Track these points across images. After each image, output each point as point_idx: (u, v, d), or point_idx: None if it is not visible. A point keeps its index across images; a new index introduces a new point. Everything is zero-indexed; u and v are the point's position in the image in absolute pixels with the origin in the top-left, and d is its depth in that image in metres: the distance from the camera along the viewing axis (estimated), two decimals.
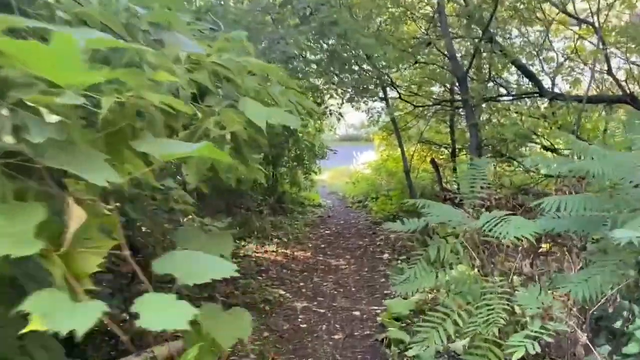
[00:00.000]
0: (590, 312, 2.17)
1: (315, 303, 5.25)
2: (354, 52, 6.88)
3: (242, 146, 1.71)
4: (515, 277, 2.72)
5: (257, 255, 7.13)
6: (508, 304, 2.45)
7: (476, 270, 2.65)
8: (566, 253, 2.74)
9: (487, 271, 2.64)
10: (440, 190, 8.82)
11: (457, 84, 8.93)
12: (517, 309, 2.55)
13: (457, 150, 10.66)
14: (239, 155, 1.83)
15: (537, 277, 2.83)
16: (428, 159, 12.07)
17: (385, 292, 5.71)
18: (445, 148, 11.18)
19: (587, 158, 2.48)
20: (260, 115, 1.66)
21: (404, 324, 4.28)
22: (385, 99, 7.42)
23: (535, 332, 2.11)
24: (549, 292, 2.45)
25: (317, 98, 10.78)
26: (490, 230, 2.32)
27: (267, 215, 9.50)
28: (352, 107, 11.37)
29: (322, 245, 8.38)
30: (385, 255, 7.47)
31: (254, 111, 1.65)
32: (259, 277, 5.98)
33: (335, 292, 5.70)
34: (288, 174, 12.40)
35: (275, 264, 6.69)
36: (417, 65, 7.75)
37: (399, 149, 12.66)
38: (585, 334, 2.05)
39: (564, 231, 2.61)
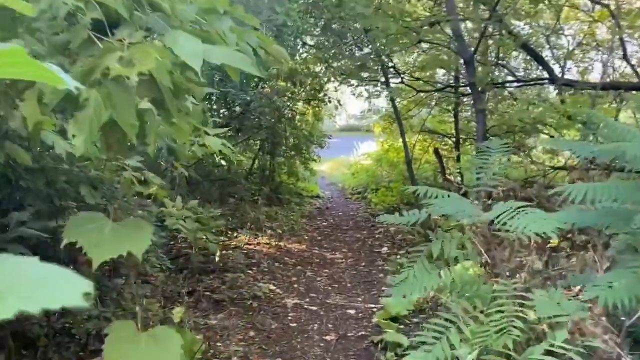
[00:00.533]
0: (627, 324, 1.80)
1: (307, 299, 4.90)
2: (350, 25, 6.43)
3: (166, 96, 1.25)
4: (526, 276, 2.35)
5: (248, 247, 6.77)
6: (522, 309, 2.09)
7: (485, 269, 2.29)
8: (588, 250, 2.36)
9: (498, 271, 2.28)
10: (444, 182, 8.44)
11: (462, 68, 8.55)
12: (531, 315, 2.18)
13: (461, 140, 10.29)
14: (162, 109, 1.34)
15: (553, 277, 2.47)
16: (431, 150, 11.69)
17: (382, 288, 5.35)
18: (449, 138, 10.78)
19: (619, 140, 2.10)
20: (194, 53, 1.21)
21: (402, 325, 3.93)
22: (386, 82, 7.01)
23: (559, 346, 1.75)
24: (572, 297, 2.09)
25: (315, 85, 10.39)
26: (504, 224, 1.95)
27: (262, 205, 9.14)
28: (353, 94, 11.00)
29: (319, 238, 8.02)
30: (384, 249, 7.11)
31: (186, 47, 1.20)
32: (249, 271, 5.62)
33: (330, 288, 5.35)
34: (286, 164, 12.03)
35: (268, 257, 6.34)
36: (420, 48, 7.35)
37: (400, 139, 12.31)
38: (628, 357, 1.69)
39: (589, 226, 2.24)
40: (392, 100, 7.20)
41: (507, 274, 2.22)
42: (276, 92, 7.33)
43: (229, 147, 2.20)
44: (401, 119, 7.23)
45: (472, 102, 11.04)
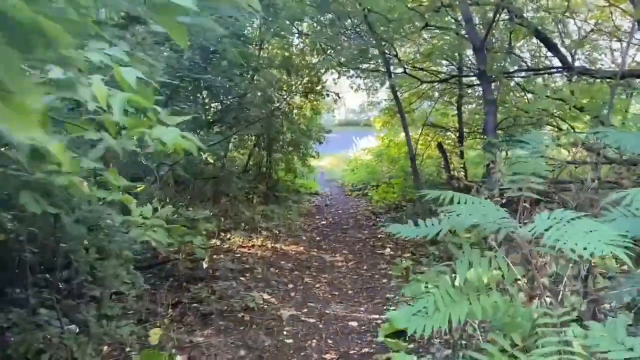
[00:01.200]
0: None
1: (305, 310, 4.46)
2: (349, 7, 5.94)
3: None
4: (574, 301, 1.90)
5: (242, 250, 6.33)
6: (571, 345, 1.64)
7: (523, 294, 1.84)
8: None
9: (539, 296, 1.82)
10: (449, 178, 7.99)
11: (468, 58, 8.09)
12: (577, 348, 1.73)
13: (464, 134, 9.85)
14: None
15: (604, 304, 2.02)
16: (433, 145, 11.24)
17: (387, 295, 4.92)
18: (452, 132, 10.32)
19: None
20: None
21: (410, 344, 3.49)
22: (388, 72, 6.53)
23: None
24: None
25: (312, 77, 9.91)
26: (556, 241, 1.49)
27: (258, 204, 8.69)
28: (352, 87, 10.53)
29: (317, 238, 7.58)
30: (387, 250, 6.67)
31: None
32: (242, 278, 5.17)
33: (329, 296, 4.91)
34: (283, 160, 11.58)
35: (262, 261, 5.89)
36: (423, 37, 6.89)
37: (401, 134, 11.84)
38: None
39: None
40: (394, 91, 6.73)
41: (551, 300, 1.77)
42: (271, 82, 6.82)
43: (192, 140, 1.73)
44: (403, 111, 6.75)
45: (476, 94, 10.64)
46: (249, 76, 9.02)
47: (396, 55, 6.87)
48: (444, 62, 9.27)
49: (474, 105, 10.72)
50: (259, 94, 7.20)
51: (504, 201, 4.92)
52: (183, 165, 6.76)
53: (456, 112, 10.25)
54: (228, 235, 6.80)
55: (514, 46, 6.67)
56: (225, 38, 4.20)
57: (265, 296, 4.67)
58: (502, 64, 5.49)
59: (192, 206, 7.34)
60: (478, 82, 9.29)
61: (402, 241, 6.92)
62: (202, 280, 4.94)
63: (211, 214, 5.62)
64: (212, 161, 7.44)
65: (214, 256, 5.90)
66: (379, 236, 7.53)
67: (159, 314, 4.05)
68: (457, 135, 9.82)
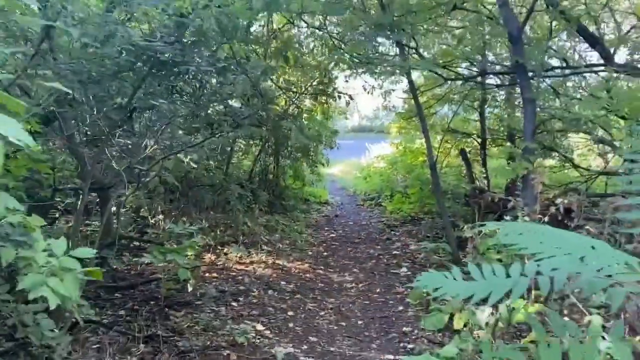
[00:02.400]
0: None
1: (305, 347, 3.71)
2: None
3: None
4: None
5: (239, 267, 5.61)
6: None
7: None
8: None
9: None
10: (472, 190, 7.20)
11: (485, 58, 7.31)
12: None
13: (487, 141, 9.08)
14: None
15: None
16: (453, 152, 10.46)
17: (404, 328, 4.16)
18: (474, 139, 9.52)
19: None
20: None
21: None
22: (407, 69, 5.79)
23: None
24: None
25: (323, 77, 9.22)
26: None
27: (261, 214, 7.98)
28: (365, 89, 9.80)
29: (325, 254, 6.83)
30: (403, 270, 5.90)
31: None
32: (234, 303, 4.45)
33: (335, 328, 4.15)
34: (291, 167, 10.88)
35: (260, 282, 5.16)
36: (452, 22, 6.14)
37: (418, 140, 11.07)
38: None
39: None
40: (413, 88, 5.96)
41: None
42: (260, 70, 6.07)
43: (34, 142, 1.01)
44: (423, 113, 5.99)
45: (500, 97, 9.86)
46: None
47: (416, 49, 6.07)
48: (463, 64, 8.54)
49: (497, 110, 9.96)
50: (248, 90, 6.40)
51: (546, 219, 4.15)
52: (176, 172, 6.11)
53: (478, 117, 9.53)
54: (225, 250, 6.10)
55: (552, 38, 5.87)
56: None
57: (259, 327, 3.94)
58: (539, 59, 4.71)
59: (187, 217, 6.68)
60: (503, 82, 8.59)
61: (421, 260, 6.15)
62: (187, 305, 4.23)
63: (197, 227, 4.92)
64: (207, 167, 6.77)
65: (206, 274, 5.20)
66: (394, 252, 6.75)
67: (128, 350, 3.35)
68: (480, 142, 9.06)
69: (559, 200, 4.37)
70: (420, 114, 5.71)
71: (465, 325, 3.76)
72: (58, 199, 4.78)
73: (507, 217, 4.63)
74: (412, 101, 10.50)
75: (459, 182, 9.77)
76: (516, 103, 8.83)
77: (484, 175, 9.17)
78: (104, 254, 4.53)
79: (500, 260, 4.74)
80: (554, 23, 5.83)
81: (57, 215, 5.14)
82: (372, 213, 10.43)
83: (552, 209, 3.88)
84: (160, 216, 6.24)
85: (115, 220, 5.02)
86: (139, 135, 4.37)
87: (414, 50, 6.22)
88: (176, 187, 6.26)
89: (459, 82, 9.29)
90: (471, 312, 3.86)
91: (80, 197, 3.76)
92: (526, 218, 3.94)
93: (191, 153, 5.91)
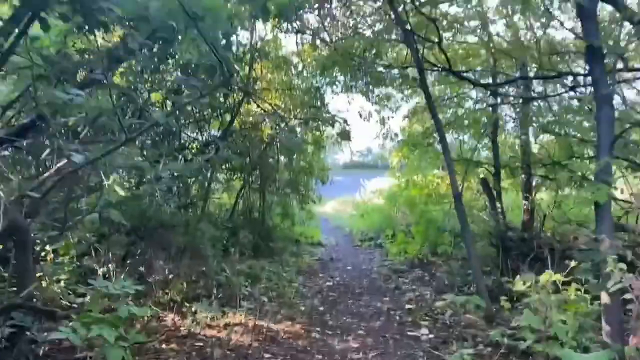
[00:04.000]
0: None
1: None
2: None
3: None
4: None
5: (209, 333, 4.24)
6: None
7: None
8: None
9: None
10: (505, 227, 5.95)
11: (496, 66, 6.25)
12: None
13: (501, 169, 7.97)
14: None
15: None
16: (466, 183, 9.30)
17: None
18: (486, 168, 8.35)
19: None
20: None
21: None
22: (420, 70, 4.63)
23: None
24: None
25: (315, 101, 8.11)
26: None
27: (243, 259, 6.63)
28: (361, 117, 8.68)
29: (321, 309, 5.48)
30: (424, 332, 4.56)
31: None
32: None
33: None
34: (279, 204, 9.61)
35: (237, 355, 3.79)
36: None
37: (420, 174, 9.91)
38: None
39: None
40: (428, 96, 4.79)
41: None
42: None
43: None
44: (443, 132, 4.80)
45: (510, 122, 8.82)
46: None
47: (438, 42, 4.82)
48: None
49: (510, 134, 8.87)
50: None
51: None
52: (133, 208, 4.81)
53: (489, 143, 8.44)
54: (194, 308, 4.72)
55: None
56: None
57: None
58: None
59: (148, 266, 5.32)
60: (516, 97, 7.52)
61: (446, 318, 4.81)
62: None
63: (139, 286, 3.57)
64: (181, 205, 5.47)
65: (163, 345, 3.82)
66: (407, 306, 5.42)
67: None
68: (494, 170, 7.91)
69: None
70: (440, 133, 4.55)
71: None
72: None
73: (581, 262, 3.40)
74: (413, 127, 9.55)
75: (481, 218, 8.59)
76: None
77: (499, 209, 8.00)
78: (20, 322, 3.21)
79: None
80: None
81: None
82: (372, 255, 9.12)
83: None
84: (111, 265, 4.89)
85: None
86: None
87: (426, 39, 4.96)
88: (135, 227, 4.95)
89: (469, 106, 8.30)
90: None
91: None
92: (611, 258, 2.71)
93: (161, 183, 4.65)
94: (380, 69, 5.78)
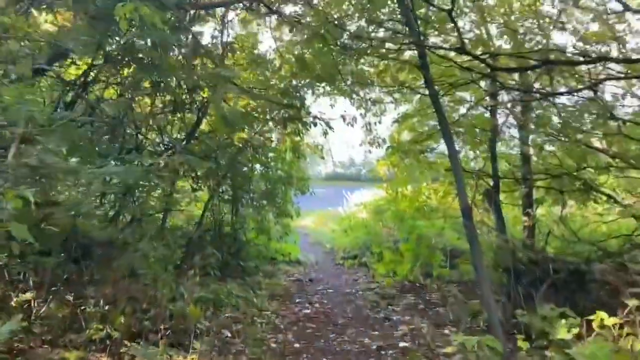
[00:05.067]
0: None
1: None
2: None
3: None
4: None
5: None
6: None
7: None
8: None
9: None
10: (507, 246, 5.05)
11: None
12: None
13: (500, 181, 7.19)
14: None
15: None
16: (452, 197, 8.46)
17: None
18: (484, 180, 7.51)
19: None
20: None
21: None
22: (423, 62, 3.73)
23: None
24: None
25: (293, 100, 7.17)
26: None
27: (205, 281, 5.60)
28: (345, 121, 7.76)
29: (296, 345, 4.49)
30: None
31: None
32: None
33: None
34: (254, 218, 8.60)
35: None
36: None
37: (410, 185, 9.04)
38: None
39: None
40: (433, 93, 3.88)
41: None
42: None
43: None
44: (449, 130, 3.88)
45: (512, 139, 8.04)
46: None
47: (450, 10, 3.85)
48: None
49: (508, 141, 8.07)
50: None
51: None
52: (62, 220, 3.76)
53: (486, 152, 7.62)
54: (131, 351, 3.68)
55: None
56: None
57: None
58: None
59: (77, 292, 4.27)
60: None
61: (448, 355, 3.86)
62: None
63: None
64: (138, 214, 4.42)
65: None
66: (402, 344, 4.46)
67: None
68: (493, 183, 7.08)
69: None
70: (447, 137, 3.64)
71: None
72: None
73: None
74: (403, 133, 8.66)
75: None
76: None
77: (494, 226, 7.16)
78: None
79: None
80: None
81: None
82: (357, 275, 8.16)
83: None
84: (28, 294, 3.84)
85: None
86: None
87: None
88: (59, 246, 3.91)
89: (465, 110, 7.49)
90: None
91: None
92: None
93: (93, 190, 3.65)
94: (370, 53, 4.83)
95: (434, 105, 3.84)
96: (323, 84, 7.34)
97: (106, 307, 3.88)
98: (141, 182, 4.05)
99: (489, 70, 4.42)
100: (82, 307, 3.77)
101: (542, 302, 4.66)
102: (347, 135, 9.78)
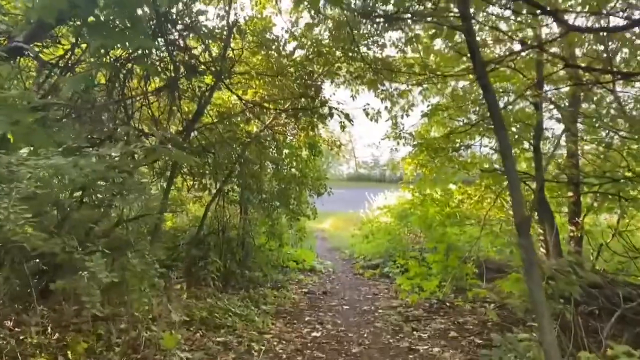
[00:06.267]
0: None
1: None
2: None
3: None
4: None
5: None
6: None
7: None
8: None
9: None
10: (565, 268, 4.04)
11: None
12: None
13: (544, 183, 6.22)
14: None
15: None
16: (488, 202, 7.46)
17: None
18: (525, 182, 6.50)
19: None
20: None
21: None
22: (471, 46, 2.81)
23: None
24: None
25: (308, 89, 6.29)
26: None
27: (204, 294, 4.79)
28: (368, 116, 6.84)
29: None
30: None
31: None
32: None
33: None
34: (266, 220, 7.76)
35: None
36: None
37: (440, 188, 8.04)
38: None
39: None
40: (481, 70, 2.93)
41: None
42: None
43: None
44: (501, 120, 2.94)
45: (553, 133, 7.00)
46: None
47: None
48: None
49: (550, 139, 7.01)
50: None
51: None
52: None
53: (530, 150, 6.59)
54: None
55: None
56: None
57: None
58: None
59: (31, 311, 3.50)
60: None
61: None
62: None
63: None
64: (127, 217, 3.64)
65: None
66: None
67: None
68: (538, 186, 6.07)
69: None
70: (498, 124, 2.73)
71: None
72: None
73: None
74: (426, 132, 7.66)
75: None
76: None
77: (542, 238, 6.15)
78: None
79: None
80: None
81: None
82: (377, 289, 7.24)
83: None
84: None
85: None
86: None
87: None
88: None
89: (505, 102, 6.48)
90: None
91: None
92: None
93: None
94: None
95: (484, 90, 2.92)
96: (343, 72, 6.47)
97: (54, 337, 3.09)
98: (100, 181, 3.23)
99: (559, 31, 3.43)
100: (22, 337, 2.98)
101: (609, 339, 3.69)
102: (371, 134, 8.88)
